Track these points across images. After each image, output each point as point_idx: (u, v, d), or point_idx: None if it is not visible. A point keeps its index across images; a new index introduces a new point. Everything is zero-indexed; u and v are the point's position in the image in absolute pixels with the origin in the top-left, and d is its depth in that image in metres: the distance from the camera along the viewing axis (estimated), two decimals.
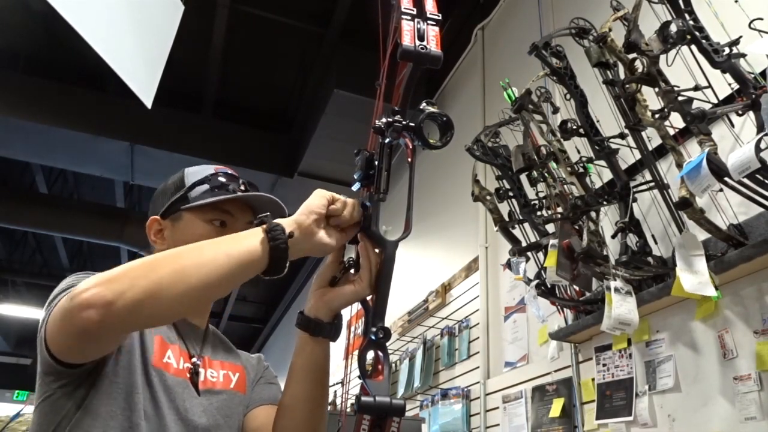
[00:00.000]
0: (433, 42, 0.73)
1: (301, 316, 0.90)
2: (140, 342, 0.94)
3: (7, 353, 11.31)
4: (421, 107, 0.75)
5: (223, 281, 0.77)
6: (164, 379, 0.94)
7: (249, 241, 0.78)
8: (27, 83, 4.53)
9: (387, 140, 0.76)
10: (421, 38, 0.72)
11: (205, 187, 1.08)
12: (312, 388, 0.93)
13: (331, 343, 1.17)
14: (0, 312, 8.85)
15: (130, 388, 0.89)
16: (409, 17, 0.73)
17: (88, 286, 0.72)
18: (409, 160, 0.79)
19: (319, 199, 0.84)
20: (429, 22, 0.74)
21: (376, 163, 0.79)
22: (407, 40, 0.71)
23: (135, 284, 0.72)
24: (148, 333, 0.96)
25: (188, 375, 0.99)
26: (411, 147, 0.77)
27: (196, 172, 1.11)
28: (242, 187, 1.11)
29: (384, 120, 0.75)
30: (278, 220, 0.81)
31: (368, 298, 0.84)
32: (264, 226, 0.80)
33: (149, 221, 1.10)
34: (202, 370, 1.02)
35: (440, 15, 0.75)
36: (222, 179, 1.10)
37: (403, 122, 0.75)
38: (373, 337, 0.76)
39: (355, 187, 0.82)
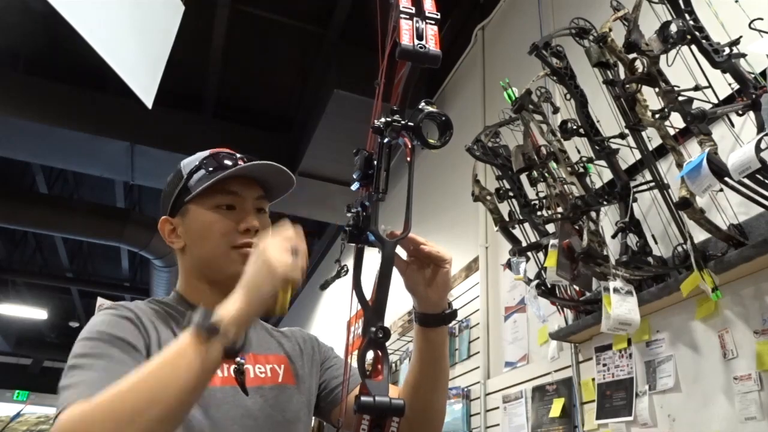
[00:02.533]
0: (431, 41, 0.73)
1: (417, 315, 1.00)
2: None
3: (7, 353, 11.32)
4: (420, 107, 0.75)
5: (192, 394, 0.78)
6: (212, 394, 0.92)
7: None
8: (27, 83, 4.53)
9: (386, 140, 0.76)
10: (420, 37, 0.72)
11: (202, 172, 1.03)
12: (437, 367, 0.99)
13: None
14: (0, 312, 8.86)
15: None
16: (407, 16, 0.73)
17: (67, 420, 0.72)
18: (408, 159, 0.79)
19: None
20: (428, 21, 0.74)
21: (375, 162, 0.78)
22: (406, 39, 0.71)
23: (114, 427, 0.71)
24: None
25: (234, 376, 0.96)
26: (410, 146, 0.77)
27: (191, 161, 1.07)
28: (240, 162, 1.04)
29: (383, 119, 0.75)
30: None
31: (368, 297, 0.84)
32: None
33: (160, 223, 1.06)
34: (249, 367, 1.00)
35: (439, 14, 0.75)
36: (217, 159, 1.04)
37: (402, 122, 0.75)
38: (373, 337, 0.76)
39: (354, 186, 0.82)
